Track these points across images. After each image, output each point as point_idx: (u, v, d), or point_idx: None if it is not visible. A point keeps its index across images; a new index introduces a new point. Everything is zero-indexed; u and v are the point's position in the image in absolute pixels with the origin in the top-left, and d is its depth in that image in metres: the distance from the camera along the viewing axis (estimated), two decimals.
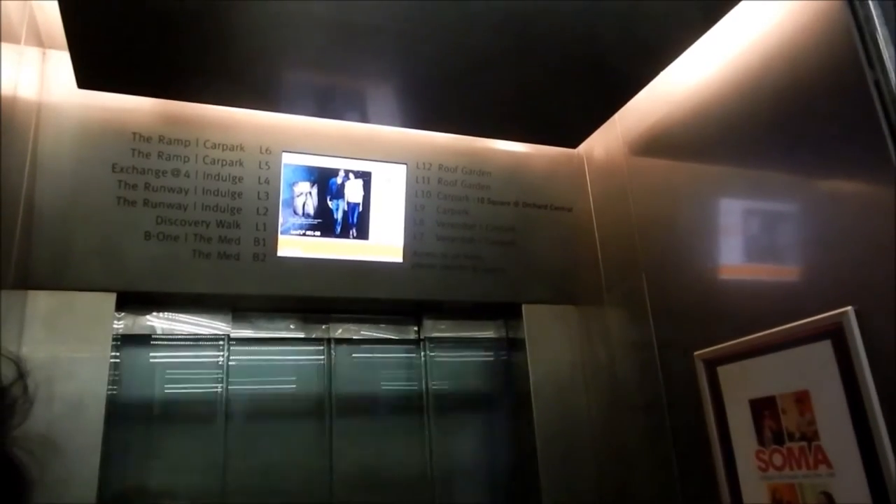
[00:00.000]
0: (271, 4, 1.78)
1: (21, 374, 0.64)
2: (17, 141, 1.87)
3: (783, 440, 1.72)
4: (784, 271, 1.82)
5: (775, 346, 1.75)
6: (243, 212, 2.34)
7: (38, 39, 2.06)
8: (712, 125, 2.06)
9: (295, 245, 2.41)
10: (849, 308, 1.54)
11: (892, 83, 1.50)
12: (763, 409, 1.78)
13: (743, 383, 1.86)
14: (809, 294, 1.68)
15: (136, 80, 2.15)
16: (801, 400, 1.67)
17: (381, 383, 2.89)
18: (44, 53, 2.14)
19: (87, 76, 2.08)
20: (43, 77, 2.13)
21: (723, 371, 1.93)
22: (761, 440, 1.79)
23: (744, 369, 1.86)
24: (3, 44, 1.69)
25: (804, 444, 1.65)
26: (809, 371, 1.65)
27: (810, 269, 1.72)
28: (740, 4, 1.93)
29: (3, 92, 1.71)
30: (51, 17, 1.93)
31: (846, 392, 1.54)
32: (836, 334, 1.57)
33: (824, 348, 1.60)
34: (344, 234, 2.49)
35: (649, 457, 2.28)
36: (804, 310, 1.67)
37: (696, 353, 2.02)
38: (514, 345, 2.83)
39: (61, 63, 2.11)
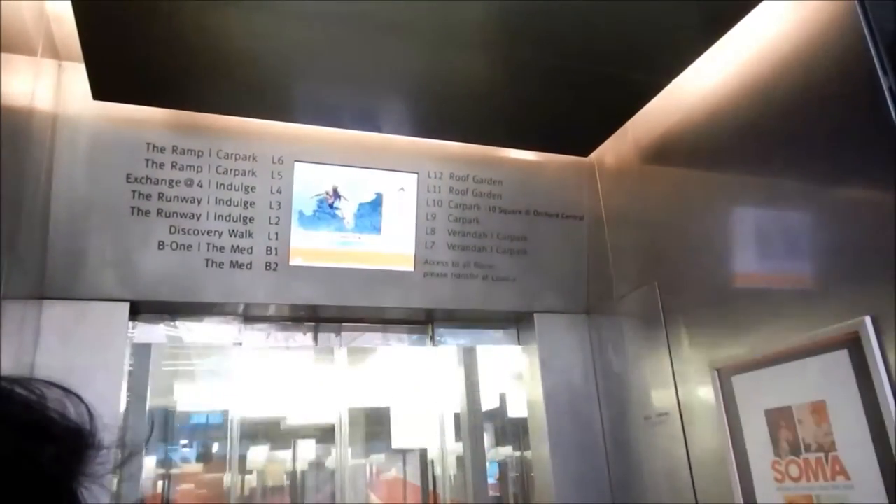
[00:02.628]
0: (283, 16, 1.79)
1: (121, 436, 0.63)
2: (34, 151, 1.89)
3: (800, 451, 1.70)
4: (800, 280, 1.80)
5: (791, 356, 1.73)
6: (256, 221, 2.34)
7: (55, 51, 2.09)
8: (725, 133, 2.05)
9: (306, 254, 2.42)
10: (866, 317, 1.52)
11: None
12: (779, 419, 1.76)
13: (758, 393, 1.84)
14: (825, 303, 1.66)
15: (151, 91, 2.17)
16: (818, 410, 1.65)
17: (393, 391, 2.90)
18: (60, 65, 2.16)
19: (103, 87, 2.10)
20: (59, 88, 2.15)
21: (738, 381, 1.91)
22: (777, 451, 1.77)
23: (759, 379, 1.84)
24: (21, 56, 1.71)
25: (821, 455, 1.63)
26: (826, 381, 1.63)
27: (826, 278, 1.70)
28: (752, 11, 1.92)
29: (20, 103, 1.73)
30: (67, 29, 1.95)
31: (863, 402, 1.52)
32: (852, 344, 1.55)
33: (841, 358, 1.58)
34: (355, 243, 2.49)
35: (663, 466, 2.26)
36: (820, 319, 1.65)
37: (710, 361, 2.00)
38: (526, 354, 2.82)
39: (77, 75, 2.13)
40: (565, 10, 1.82)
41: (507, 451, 3.30)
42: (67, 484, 0.56)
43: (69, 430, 0.57)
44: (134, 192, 2.21)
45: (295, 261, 2.39)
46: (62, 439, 0.56)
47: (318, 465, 3.50)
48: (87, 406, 0.59)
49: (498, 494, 3.29)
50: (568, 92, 2.26)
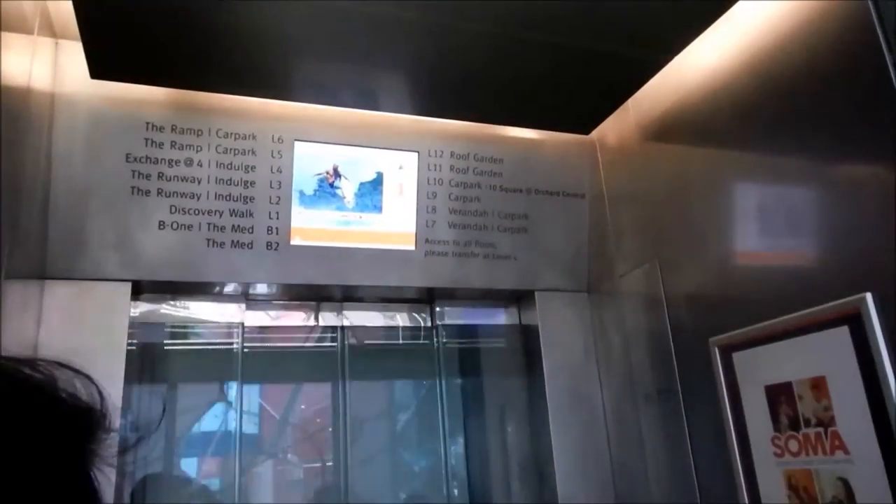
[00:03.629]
0: None
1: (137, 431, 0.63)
2: (32, 132, 1.88)
3: (799, 426, 1.71)
4: (801, 257, 1.81)
5: (792, 332, 1.74)
6: (256, 200, 2.34)
7: (51, 30, 2.07)
8: (727, 109, 2.04)
9: (307, 233, 2.42)
10: (867, 294, 1.53)
11: None
12: (779, 394, 1.78)
13: (758, 369, 1.85)
14: (826, 280, 1.67)
15: (149, 69, 2.15)
16: (818, 386, 1.66)
17: (394, 371, 2.91)
18: (56, 44, 2.14)
19: (100, 66, 2.08)
20: (56, 68, 2.14)
21: (738, 357, 1.92)
22: (777, 426, 1.78)
23: (759, 355, 1.85)
24: (17, 35, 1.70)
25: (820, 429, 1.65)
26: (826, 357, 1.64)
27: (827, 254, 1.70)
28: None
29: (18, 83, 1.72)
30: (63, 7, 1.93)
31: (863, 378, 1.53)
32: (853, 320, 1.56)
33: (841, 334, 1.59)
34: (356, 222, 2.49)
35: (664, 443, 2.28)
36: (821, 296, 1.65)
37: (711, 339, 2.01)
38: (527, 332, 2.83)
39: (74, 53, 2.11)
40: None
41: None
42: (80, 465, 0.56)
43: (80, 411, 0.56)
44: (133, 171, 2.21)
45: (295, 240, 2.39)
46: (73, 420, 0.56)
47: None
48: (97, 386, 0.58)
49: None
50: (569, 69, 2.24)
